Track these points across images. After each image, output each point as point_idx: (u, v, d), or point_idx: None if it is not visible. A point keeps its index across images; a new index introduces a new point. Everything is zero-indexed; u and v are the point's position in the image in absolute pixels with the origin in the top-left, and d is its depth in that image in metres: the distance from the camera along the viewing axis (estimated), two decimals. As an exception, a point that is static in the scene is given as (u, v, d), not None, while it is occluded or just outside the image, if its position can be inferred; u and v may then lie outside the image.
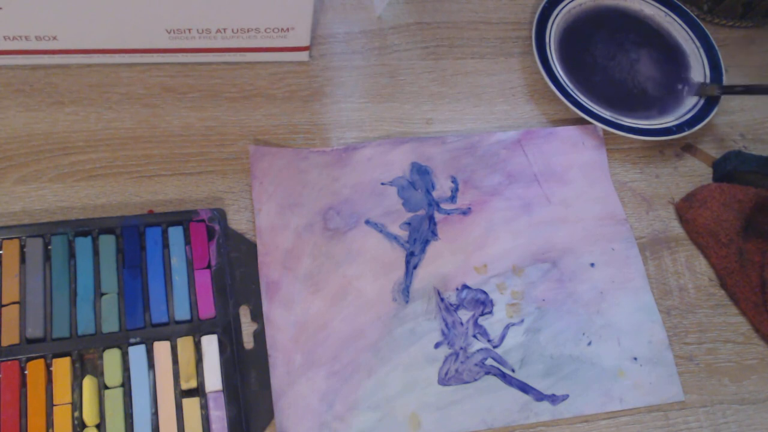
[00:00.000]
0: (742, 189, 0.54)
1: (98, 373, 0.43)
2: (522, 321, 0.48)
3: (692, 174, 0.59)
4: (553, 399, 0.46)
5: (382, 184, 0.51)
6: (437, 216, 0.50)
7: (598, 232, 0.51)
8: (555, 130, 0.55)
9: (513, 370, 0.46)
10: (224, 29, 0.53)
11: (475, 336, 0.48)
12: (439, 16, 0.64)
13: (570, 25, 0.64)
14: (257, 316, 0.47)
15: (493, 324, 0.48)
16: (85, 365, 0.43)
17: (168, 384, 0.43)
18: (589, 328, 0.48)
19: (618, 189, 0.55)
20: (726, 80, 0.61)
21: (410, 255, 0.49)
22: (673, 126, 0.58)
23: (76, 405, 0.42)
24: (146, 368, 0.44)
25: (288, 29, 0.54)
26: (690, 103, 0.60)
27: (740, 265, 0.52)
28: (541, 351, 0.47)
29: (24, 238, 0.45)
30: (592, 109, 0.58)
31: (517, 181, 0.52)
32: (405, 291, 0.48)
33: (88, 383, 0.43)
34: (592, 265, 0.50)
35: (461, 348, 0.47)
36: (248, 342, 0.46)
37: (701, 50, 0.63)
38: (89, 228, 0.46)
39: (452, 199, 0.51)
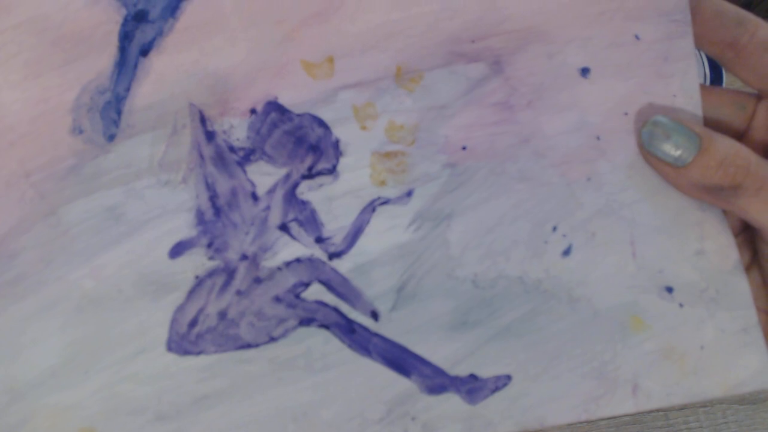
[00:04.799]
0: None
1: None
2: (409, 194, 0.22)
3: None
4: (472, 389, 0.21)
5: None
6: None
7: None
8: None
9: (376, 316, 0.21)
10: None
11: (285, 228, 0.21)
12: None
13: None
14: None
15: (335, 200, 0.21)
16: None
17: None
18: (567, 213, 0.22)
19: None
20: (726, 80, 0.62)
21: (136, 19, 0.21)
22: None
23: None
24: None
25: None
26: None
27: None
28: (450, 268, 0.21)
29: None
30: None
31: None
32: (111, 110, 0.21)
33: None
34: (585, 71, 0.23)
35: (244, 256, 0.20)
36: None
37: (701, 50, 0.55)
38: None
39: None
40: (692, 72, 0.23)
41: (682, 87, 0.23)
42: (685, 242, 0.22)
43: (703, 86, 0.23)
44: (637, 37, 0.23)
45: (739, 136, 0.23)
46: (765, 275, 0.23)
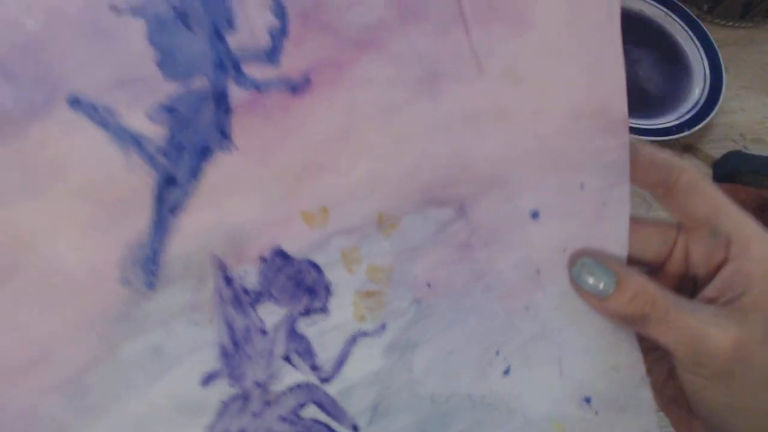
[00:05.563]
0: (744, 190, 0.57)
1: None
2: (383, 327, 0.27)
3: (692, 175, 0.58)
4: None
5: (114, 8, 0.24)
6: (234, 93, 0.25)
7: (563, 145, 0.27)
8: None
9: (357, 430, 0.26)
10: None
11: (288, 358, 0.26)
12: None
13: (569, 24, 0.61)
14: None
15: (325, 334, 0.27)
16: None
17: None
18: (508, 340, 0.28)
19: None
20: (726, 80, 0.65)
21: (166, 183, 0.26)
22: (673, 126, 0.60)
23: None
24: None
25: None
26: (690, 103, 0.63)
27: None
28: (413, 388, 0.27)
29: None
30: (591, 108, 0.54)
31: (419, 16, 0.26)
32: (149, 263, 0.26)
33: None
34: (535, 215, 0.28)
35: (257, 384, 0.26)
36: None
37: (701, 50, 0.67)
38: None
39: (271, 54, 0.25)
40: (624, 216, 0.28)
41: (615, 229, 0.28)
42: (603, 360, 0.28)
43: (634, 218, 0.29)
44: (582, 186, 0.28)
45: (660, 264, 0.29)
46: (680, 381, 0.28)
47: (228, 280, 0.26)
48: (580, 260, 0.27)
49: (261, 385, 0.26)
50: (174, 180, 0.26)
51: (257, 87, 0.26)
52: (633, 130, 0.58)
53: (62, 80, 0.24)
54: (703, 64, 0.66)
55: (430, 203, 0.27)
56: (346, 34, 0.26)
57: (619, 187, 0.28)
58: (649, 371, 0.29)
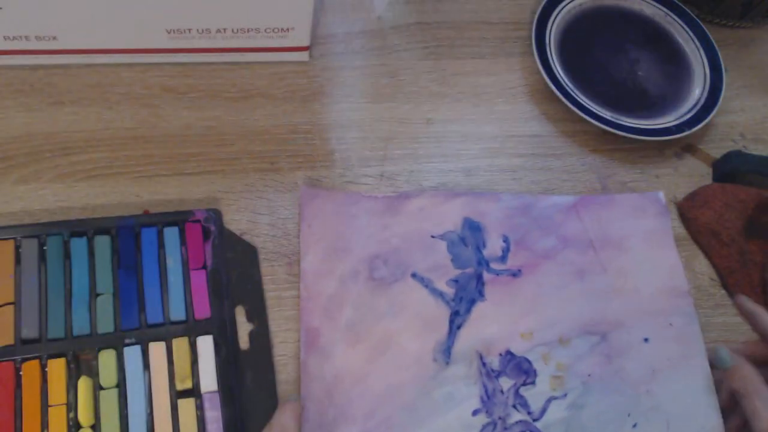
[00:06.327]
0: (744, 189, 0.56)
1: (93, 374, 0.44)
2: (565, 395, 0.47)
3: (692, 174, 0.60)
4: None
5: (432, 237, 0.51)
6: (486, 276, 0.50)
7: (655, 306, 0.50)
8: (613, 197, 0.55)
9: None
10: (224, 29, 0.55)
11: (515, 406, 0.47)
12: (439, 16, 0.66)
13: (570, 25, 0.66)
14: (253, 317, 0.48)
15: (534, 395, 0.47)
16: (80, 366, 0.45)
17: (163, 384, 0.45)
18: (636, 408, 0.47)
19: (618, 189, 0.56)
20: (726, 80, 0.64)
21: (455, 314, 0.49)
22: (673, 126, 0.60)
23: (71, 406, 0.43)
24: (141, 369, 0.45)
25: (288, 29, 0.56)
26: (690, 103, 0.62)
27: (741, 265, 0.54)
28: (582, 429, 0.46)
29: (19, 238, 0.47)
30: (592, 109, 0.59)
31: (571, 246, 0.52)
32: (446, 351, 0.48)
33: (84, 384, 0.44)
34: (646, 340, 0.49)
35: (500, 418, 0.46)
36: (244, 342, 0.48)
37: (701, 50, 0.66)
38: (84, 228, 0.48)
39: (503, 259, 0.51)
40: (700, 340, 0.49)
41: (695, 347, 0.49)
42: (694, 423, 0.45)
43: (753, 343, 0.46)
44: (671, 324, 0.49)
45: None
46: None
47: (484, 364, 0.48)
48: (719, 347, 0.43)
49: (501, 419, 0.48)
50: (458, 313, 0.49)
51: (496, 273, 0.51)
52: (633, 130, 0.58)
53: (408, 265, 0.50)
54: (703, 64, 0.64)
55: (586, 333, 0.50)
56: (536, 251, 0.52)
57: (693, 324, 0.49)
58: None
